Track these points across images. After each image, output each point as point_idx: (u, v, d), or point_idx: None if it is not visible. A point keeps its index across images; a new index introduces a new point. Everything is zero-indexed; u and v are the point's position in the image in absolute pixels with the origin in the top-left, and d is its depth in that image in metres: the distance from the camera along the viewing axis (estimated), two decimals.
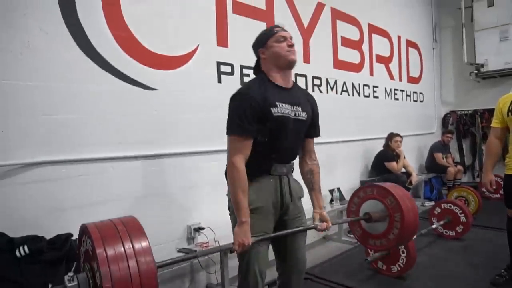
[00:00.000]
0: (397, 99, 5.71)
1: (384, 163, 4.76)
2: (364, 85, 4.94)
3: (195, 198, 2.90)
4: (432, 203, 5.06)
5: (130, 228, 1.28)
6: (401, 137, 4.87)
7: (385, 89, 5.42)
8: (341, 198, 4.16)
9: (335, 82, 4.43)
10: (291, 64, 1.72)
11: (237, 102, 1.63)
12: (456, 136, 6.97)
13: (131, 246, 1.21)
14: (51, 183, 2.19)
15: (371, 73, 5.09)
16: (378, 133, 5.03)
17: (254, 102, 1.59)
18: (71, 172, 2.28)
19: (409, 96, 6.08)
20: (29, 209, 2.10)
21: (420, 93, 6.39)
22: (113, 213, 2.41)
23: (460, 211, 3.82)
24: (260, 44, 1.73)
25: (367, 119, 4.97)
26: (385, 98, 5.42)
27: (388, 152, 4.83)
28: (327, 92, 4.29)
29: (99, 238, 1.20)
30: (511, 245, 2.76)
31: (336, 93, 4.44)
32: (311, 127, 1.87)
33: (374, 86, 5.14)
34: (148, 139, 2.64)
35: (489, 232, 4.07)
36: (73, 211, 2.27)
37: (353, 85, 4.73)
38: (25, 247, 1.84)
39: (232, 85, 3.21)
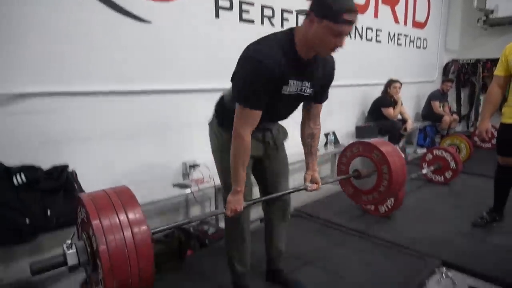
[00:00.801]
0: (400, 44, 5.52)
1: (381, 109, 4.73)
2: (368, 28, 4.74)
3: (191, 135, 2.91)
4: (424, 150, 5.12)
5: (124, 198, 1.29)
6: (401, 83, 4.79)
7: (389, 33, 5.21)
8: (336, 142, 4.19)
9: None
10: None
11: (253, 70, 1.41)
12: (455, 85, 6.89)
13: (126, 217, 1.23)
14: (44, 115, 2.17)
15: (376, 15, 4.86)
16: (378, 79, 4.93)
17: (270, 77, 1.41)
18: (64, 105, 2.25)
19: (413, 41, 5.87)
20: (22, 140, 2.10)
21: (424, 39, 6.17)
22: (108, 148, 2.45)
23: (451, 158, 3.88)
24: (318, 10, 1.36)
25: (368, 64, 4.84)
26: (388, 42, 5.24)
27: (386, 98, 4.78)
28: None
29: (94, 210, 1.21)
30: (496, 190, 2.84)
31: None
32: (321, 94, 1.74)
33: (377, 30, 4.93)
34: (142, 74, 2.57)
35: (476, 179, 4.17)
36: (67, 144, 2.28)
37: (355, 28, 4.53)
38: (22, 175, 1.87)
39: (231, 21, 3.07)
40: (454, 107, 6.95)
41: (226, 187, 1.77)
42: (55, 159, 2.16)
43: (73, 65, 2.24)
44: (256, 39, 1.52)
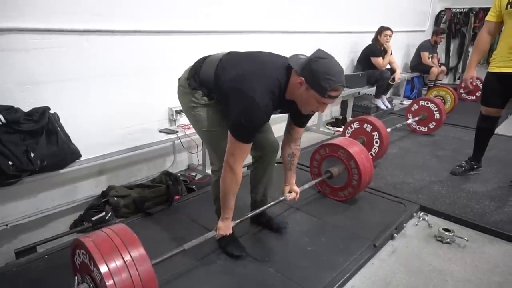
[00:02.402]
0: None
1: (370, 58, 4.66)
2: None
3: (176, 80, 2.81)
4: (410, 102, 5.16)
5: (125, 238, 1.32)
6: (392, 31, 4.68)
7: None
8: None
9: None
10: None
11: (252, 115, 1.50)
12: (446, 36, 6.79)
13: (130, 257, 1.27)
14: (22, 53, 2.05)
15: None
16: (368, 26, 4.80)
17: (263, 121, 1.57)
18: (43, 43, 2.12)
19: None
20: None
21: None
22: (90, 91, 2.36)
23: (436, 109, 3.94)
24: (308, 78, 1.46)
25: (358, 10, 4.68)
26: None
27: (376, 47, 4.69)
28: None
29: (100, 255, 1.24)
30: (476, 139, 2.91)
31: None
32: (302, 119, 1.84)
33: None
34: (126, 12, 2.42)
35: (459, 130, 4.27)
36: (48, 86, 2.18)
37: None
38: (0, 116, 1.79)
39: None
40: (442, 58, 6.92)
41: (211, 145, 1.84)
42: (35, 101, 2.08)
43: (52, 0, 2.08)
44: (254, 64, 1.58)
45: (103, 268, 1.21)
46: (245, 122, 1.50)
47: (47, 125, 1.97)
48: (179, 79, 1.87)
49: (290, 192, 1.99)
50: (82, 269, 1.35)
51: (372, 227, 2.19)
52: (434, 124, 4.00)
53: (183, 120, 2.82)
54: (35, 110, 1.99)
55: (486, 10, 5.94)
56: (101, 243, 1.28)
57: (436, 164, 3.24)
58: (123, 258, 1.25)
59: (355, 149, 2.40)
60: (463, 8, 6.55)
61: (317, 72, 1.44)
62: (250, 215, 1.91)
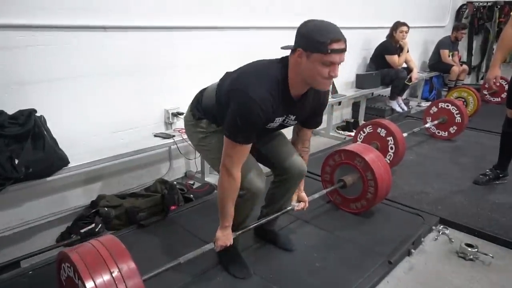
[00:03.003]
0: None
1: (384, 56, 4.67)
2: None
3: (172, 80, 2.84)
4: (429, 104, 5.15)
5: (113, 250, 1.31)
6: (408, 27, 4.68)
7: None
8: (334, 91, 4.17)
9: None
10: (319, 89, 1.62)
11: (247, 110, 1.49)
12: (468, 33, 6.79)
13: (118, 271, 1.27)
14: (6, 52, 2.07)
15: None
16: (383, 21, 4.81)
17: (262, 118, 1.53)
18: (29, 40, 2.14)
19: None
20: None
21: None
22: (79, 92, 2.37)
23: (457, 111, 3.92)
24: (304, 45, 1.45)
25: (372, 4, 4.70)
26: None
27: (391, 44, 4.70)
28: None
29: (85, 269, 1.23)
30: (502, 145, 2.89)
31: None
32: (312, 120, 1.85)
33: None
34: (118, 7, 2.44)
35: (482, 134, 4.25)
36: (35, 87, 2.20)
37: None
38: None
39: None
40: (464, 56, 6.90)
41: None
42: (20, 103, 2.09)
43: None
44: (250, 65, 1.61)
45: (89, 283, 1.21)
46: (240, 120, 1.50)
47: (33, 129, 1.98)
48: (184, 117, 1.93)
49: (298, 201, 1.98)
50: (68, 285, 1.35)
51: (387, 241, 2.18)
52: (455, 129, 3.98)
53: (180, 123, 2.83)
54: (20, 113, 2.00)
55: (511, 4, 5.98)
56: (87, 255, 1.28)
57: (457, 173, 3.23)
58: (110, 272, 1.25)
59: (374, 158, 2.37)
60: (487, 2, 6.55)
61: (310, 32, 1.45)
62: (253, 225, 1.90)
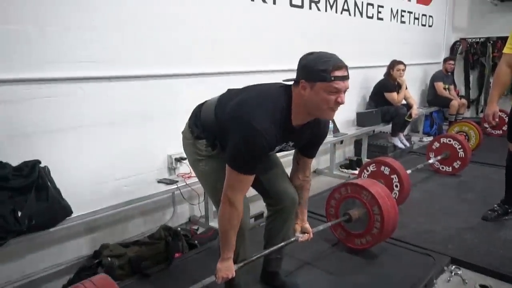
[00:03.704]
0: (403, 22, 5.53)
1: (383, 93, 4.75)
2: (368, 4, 4.73)
3: (176, 125, 2.83)
4: (431, 138, 5.18)
5: None
6: (405, 65, 4.81)
7: (391, 10, 5.22)
8: (335, 130, 4.20)
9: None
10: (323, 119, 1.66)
11: (252, 142, 1.49)
12: (463, 67, 6.96)
13: None
14: (12, 105, 2.12)
15: None
16: (380, 60, 4.95)
17: (266, 148, 1.54)
18: (35, 93, 2.19)
19: (417, 19, 5.89)
20: None
21: (430, 16, 6.19)
22: (83, 141, 2.41)
23: (460, 146, 3.93)
24: (307, 76, 1.49)
25: (369, 43, 4.84)
26: (391, 20, 5.24)
27: (389, 82, 4.80)
28: (326, 11, 4.10)
29: None
30: (508, 180, 2.88)
31: (336, 11, 4.25)
32: (311, 149, 1.86)
33: (379, 6, 4.93)
34: (121, 57, 2.53)
35: (486, 168, 4.24)
36: (39, 137, 2.24)
37: (355, 3, 4.52)
38: None
39: None
40: (462, 91, 7.02)
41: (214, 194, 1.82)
42: (25, 154, 2.12)
43: (42, 48, 2.18)
44: (253, 92, 1.63)
45: None
46: (244, 151, 1.50)
47: (37, 180, 2.00)
48: (182, 132, 1.93)
49: (302, 232, 1.95)
50: None
51: (397, 284, 2.12)
52: (459, 163, 3.97)
53: (183, 168, 2.84)
54: (24, 164, 2.02)
55: (504, 39, 6.12)
56: None
57: (465, 209, 3.19)
58: None
59: (380, 193, 2.33)
60: (479, 38, 6.74)
61: (311, 62, 1.48)
62: (256, 257, 1.85)
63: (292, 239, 1.96)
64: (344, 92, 1.49)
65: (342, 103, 1.50)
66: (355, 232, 2.44)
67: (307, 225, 1.98)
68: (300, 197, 1.94)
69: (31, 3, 2.11)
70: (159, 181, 2.72)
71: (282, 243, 1.96)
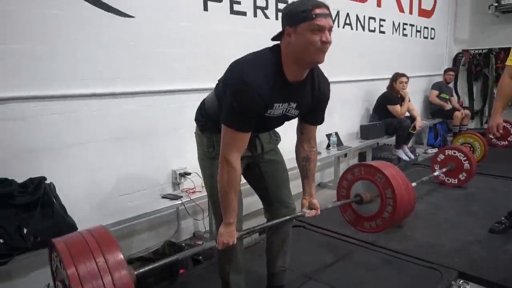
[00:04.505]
0: (405, 35, 5.58)
1: (387, 106, 4.77)
2: (370, 17, 4.79)
3: (180, 141, 2.90)
4: (435, 150, 5.16)
5: (101, 240, 1.28)
6: (407, 77, 4.84)
7: (393, 23, 5.27)
8: (339, 143, 4.21)
9: (338, 14, 4.27)
10: (314, 65, 1.61)
11: (243, 95, 1.49)
12: (467, 79, 6.98)
13: (104, 261, 1.22)
14: (18, 122, 2.15)
15: (379, 4, 4.91)
16: (382, 73, 4.98)
17: (258, 104, 1.52)
18: (41, 110, 2.23)
19: (419, 31, 5.94)
20: None
21: (432, 28, 6.24)
22: (89, 156, 2.43)
23: (465, 158, 3.91)
24: (290, 21, 1.48)
25: (371, 57, 4.88)
26: (393, 33, 5.29)
27: (392, 94, 4.82)
28: None
29: (69, 256, 1.20)
30: None
31: (338, 26, 4.30)
32: (314, 115, 1.80)
33: (381, 20, 4.98)
34: (125, 74, 2.57)
35: (492, 180, 4.20)
36: (45, 154, 2.26)
37: (357, 18, 4.58)
38: None
39: (220, 13, 3.08)
40: (466, 102, 7.03)
41: (212, 199, 1.82)
42: (31, 171, 2.15)
43: (49, 66, 2.22)
44: (242, 57, 1.61)
45: (71, 271, 1.16)
46: (237, 106, 1.49)
47: (42, 197, 2.02)
48: (194, 132, 1.94)
49: (310, 208, 1.90)
50: (58, 275, 1.30)
51: None
52: (465, 175, 3.95)
53: (188, 183, 2.85)
54: (30, 181, 2.05)
55: (506, 50, 6.17)
56: (73, 244, 1.24)
57: (471, 221, 3.16)
58: (96, 262, 1.20)
59: (395, 176, 2.25)
60: (482, 49, 6.77)
61: (291, 7, 1.49)
62: (259, 227, 1.84)
63: (298, 214, 1.91)
64: (329, 31, 1.46)
65: (328, 42, 1.46)
66: (365, 215, 2.36)
67: (315, 201, 1.90)
68: (306, 169, 1.88)
69: (38, 22, 2.16)
70: (164, 197, 2.73)
71: (288, 217, 1.90)
